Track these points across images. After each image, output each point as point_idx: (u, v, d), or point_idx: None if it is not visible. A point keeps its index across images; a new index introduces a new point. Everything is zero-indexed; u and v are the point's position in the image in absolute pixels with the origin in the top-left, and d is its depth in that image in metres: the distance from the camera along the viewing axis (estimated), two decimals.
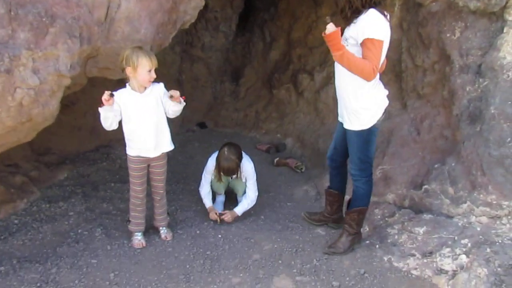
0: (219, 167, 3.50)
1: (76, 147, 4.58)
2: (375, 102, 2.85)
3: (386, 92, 2.96)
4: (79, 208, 3.60)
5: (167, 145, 3.12)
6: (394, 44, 4.24)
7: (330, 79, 4.86)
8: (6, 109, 2.71)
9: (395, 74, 4.30)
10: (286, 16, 5.84)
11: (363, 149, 2.98)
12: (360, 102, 2.82)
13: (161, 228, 3.31)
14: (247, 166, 3.63)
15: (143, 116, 2.94)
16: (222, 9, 5.88)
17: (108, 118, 2.84)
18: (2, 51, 2.63)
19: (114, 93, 2.84)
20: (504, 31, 3.20)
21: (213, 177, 3.65)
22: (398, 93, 4.21)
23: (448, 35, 3.50)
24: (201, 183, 3.70)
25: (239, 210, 3.60)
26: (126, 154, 3.08)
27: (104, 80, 3.74)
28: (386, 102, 2.94)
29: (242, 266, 2.96)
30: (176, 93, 2.95)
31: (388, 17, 2.76)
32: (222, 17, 5.90)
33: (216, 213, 3.53)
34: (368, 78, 2.66)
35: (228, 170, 3.48)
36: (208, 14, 5.72)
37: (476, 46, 3.34)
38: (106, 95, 2.75)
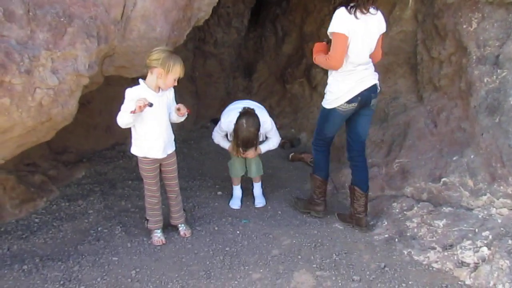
0: (237, 140, 3.45)
1: (93, 145, 4.63)
2: (340, 89, 3.17)
3: (366, 84, 3.18)
4: (98, 206, 3.64)
5: (172, 146, 3.18)
6: (409, 36, 4.24)
7: None
8: (27, 110, 2.74)
9: (410, 67, 4.27)
10: (298, 10, 5.81)
11: (320, 125, 3.44)
12: (328, 85, 3.27)
13: (179, 225, 3.33)
14: (265, 123, 3.57)
15: (157, 116, 2.95)
16: (234, 5, 5.87)
17: (131, 122, 2.87)
18: (22, 52, 2.66)
19: (131, 90, 2.87)
20: None
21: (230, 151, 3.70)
22: (414, 85, 4.18)
23: (464, 26, 3.46)
24: (213, 134, 3.77)
25: (263, 147, 3.67)
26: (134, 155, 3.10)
27: (119, 78, 3.77)
28: (356, 92, 3.16)
29: (262, 262, 2.97)
30: (184, 108, 3.00)
31: (371, 12, 3.02)
32: (234, 13, 5.89)
33: (239, 151, 3.54)
34: (333, 68, 3.14)
35: (248, 142, 3.45)
36: (220, 9, 5.71)
37: (494, 37, 3.30)
38: (143, 102, 2.74)
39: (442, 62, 3.78)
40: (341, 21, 2.96)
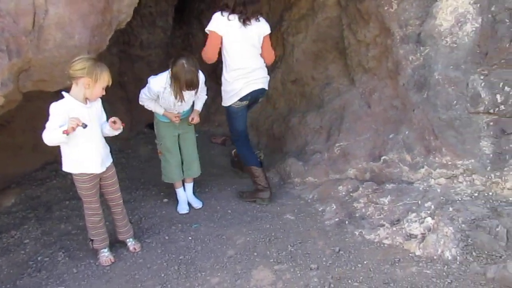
0: (180, 83, 3.19)
1: (20, 168, 4.27)
2: (232, 88, 3.56)
3: (254, 87, 3.57)
4: (34, 233, 3.38)
5: (110, 158, 3.02)
6: (335, 22, 4.31)
7: (276, 63, 4.83)
8: None
9: (339, 52, 4.36)
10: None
11: (229, 123, 3.83)
12: (222, 85, 3.64)
13: (127, 240, 3.18)
14: (202, 78, 3.37)
15: (90, 130, 2.75)
16: (156, 4, 5.66)
17: (62, 141, 2.68)
18: None
19: (56, 104, 2.68)
20: None
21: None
22: (345, 69, 4.28)
23: (386, 8, 3.58)
24: (140, 98, 3.49)
25: (198, 106, 3.60)
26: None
27: (40, 93, 3.49)
28: (245, 92, 3.55)
29: (218, 265, 2.91)
30: (119, 122, 2.85)
31: (240, 17, 3.40)
32: (157, 12, 5.68)
33: (176, 115, 3.47)
34: (207, 60, 3.58)
35: (192, 82, 3.20)
36: (143, 10, 5.48)
37: (414, 16, 3.44)
38: (75, 123, 2.58)
39: (368, 45, 3.89)
40: (215, 22, 3.42)
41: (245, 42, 3.47)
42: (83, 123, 2.62)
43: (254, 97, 3.66)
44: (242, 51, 3.48)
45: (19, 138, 4.38)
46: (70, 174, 2.91)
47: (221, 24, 3.41)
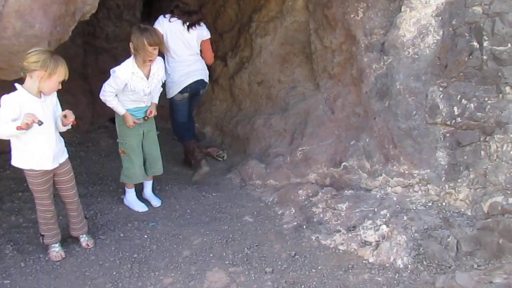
0: (145, 41, 3.20)
1: None
2: (172, 81, 3.96)
3: (192, 78, 3.98)
4: None
5: (65, 154, 2.91)
6: (303, 26, 4.35)
7: (243, 64, 4.84)
8: None
9: (305, 56, 4.39)
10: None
11: (171, 115, 4.21)
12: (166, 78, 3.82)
13: (80, 236, 3.09)
14: (161, 62, 3.49)
15: (43, 125, 2.62)
16: None
17: (13, 135, 2.58)
18: None
19: (8, 96, 2.56)
20: (402, 10, 3.38)
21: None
22: (310, 74, 4.32)
23: (352, 15, 3.64)
24: (103, 92, 3.34)
25: (155, 99, 3.60)
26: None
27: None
28: (184, 84, 3.96)
29: (172, 265, 2.87)
30: (71, 116, 2.75)
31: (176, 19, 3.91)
32: (124, 5, 5.55)
33: (136, 120, 3.45)
34: None
35: (154, 38, 3.24)
36: (110, 2, 5.35)
37: (379, 25, 3.51)
38: (31, 120, 2.48)
39: (334, 51, 3.94)
40: (158, 23, 3.90)
41: (184, 41, 3.92)
42: (39, 120, 2.52)
43: (194, 89, 4.03)
44: (178, 47, 3.91)
45: None
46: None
47: (164, 25, 3.88)
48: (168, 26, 3.89)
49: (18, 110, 2.54)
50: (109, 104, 3.41)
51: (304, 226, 3.28)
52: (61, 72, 2.63)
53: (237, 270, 2.82)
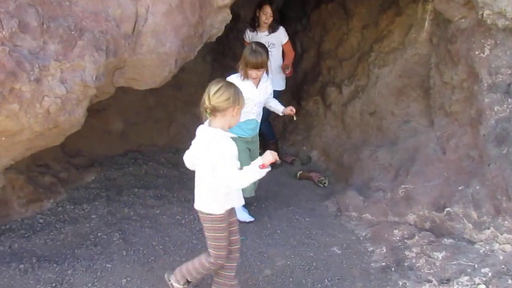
0: (247, 62, 3.53)
1: (105, 150, 4.74)
2: None
3: None
4: (101, 211, 3.73)
5: None
6: (424, 60, 4.17)
7: (357, 93, 4.79)
8: (34, 116, 2.85)
9: (424, 90, 4.19)
10: (317, 28, 5.81)
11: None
12: None
13: None
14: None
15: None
16: None
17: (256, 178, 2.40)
18: (33, 62, 2.77)
19: (229, 146, 2.40)
20: None
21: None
22: (426, 109, 4.10)
23: (477, 52, 3.38)
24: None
25: (276, 104, 3.87)
26: (206, 212, 2.54)
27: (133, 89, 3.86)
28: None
29: (252, 282, 2.97)
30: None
31: None
32: None
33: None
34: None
35: (257, 62, 3.49)
36: (240, 24, 5.77)
37: (506, 65, 3.21)
38: (275, 158, 2.35)
39: (454, 88, 3.69)
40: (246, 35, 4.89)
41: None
42: (277, 159, 2.38)
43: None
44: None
45: (111, 125, 4.89)
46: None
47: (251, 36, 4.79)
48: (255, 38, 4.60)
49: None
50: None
51: (393, 269, 3.11)
52: (243, 100, 2.51)
53: None
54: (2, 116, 2.70)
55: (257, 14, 4.76)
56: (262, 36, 4.75)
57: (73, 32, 2.90)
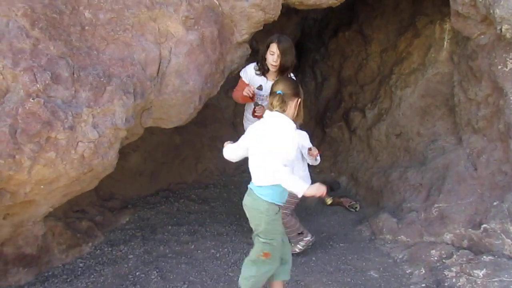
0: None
1: (137, 191, 4.86)
2: None
3: None
4: (138, 251, 3.78)
5: None
6: (446, 78, 4.18)
7: (381, 115, 4.81)
8: (70, 162, 2.98)
9: (448, 108, 4.18)
10: (336, 56, 5.91)
11: None
12: None
13: None
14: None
15: None
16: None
17: None
18: (66, 110, 2.93)
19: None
20: None
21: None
22: (453, 127, 4.07)
23: (499, 67, 3.37)
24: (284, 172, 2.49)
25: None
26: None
27: (162, 128, 3.99)
28: None
29: None
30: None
31: None
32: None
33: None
34: None
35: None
36: (259, 58, 5.92)
37: None
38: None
39: (479, 104, 3.67)
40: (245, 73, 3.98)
41: None
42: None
43: None
44: None
45: (141, 166, 5.02)
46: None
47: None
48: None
49: None
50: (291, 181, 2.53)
51: None
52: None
53: None
54: (40, 165, 2.83)
55: (265, 56, 3.82)
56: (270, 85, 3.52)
57: (102, 79, 3.06)
